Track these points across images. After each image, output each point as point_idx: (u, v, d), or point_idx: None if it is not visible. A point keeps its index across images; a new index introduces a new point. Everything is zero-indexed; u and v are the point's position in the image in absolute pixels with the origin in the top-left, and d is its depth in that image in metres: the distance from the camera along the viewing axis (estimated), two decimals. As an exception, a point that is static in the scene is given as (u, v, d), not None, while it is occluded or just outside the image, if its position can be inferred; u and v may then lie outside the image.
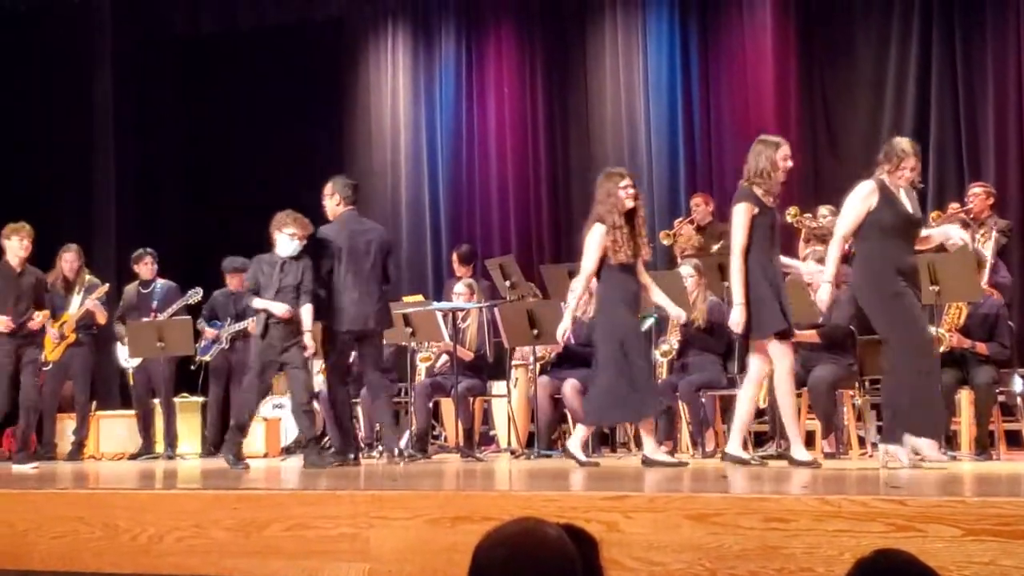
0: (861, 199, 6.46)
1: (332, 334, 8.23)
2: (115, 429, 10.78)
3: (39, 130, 12.53)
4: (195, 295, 10.51)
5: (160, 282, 10.63)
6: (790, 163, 6.91)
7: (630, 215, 7.14)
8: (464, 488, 6.13)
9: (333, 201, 8.47)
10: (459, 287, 9.94)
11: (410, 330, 9.09)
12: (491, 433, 10.40)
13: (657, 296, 7.38)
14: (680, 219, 10.83)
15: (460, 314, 9.56)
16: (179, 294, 10.53)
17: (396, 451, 8.24)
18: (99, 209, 12.76)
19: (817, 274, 7.42)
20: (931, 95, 11.05)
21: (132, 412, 10.52)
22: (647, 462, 7.18)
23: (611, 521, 4.61)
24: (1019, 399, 8.05)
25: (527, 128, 12.75)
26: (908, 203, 6.53)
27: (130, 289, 10.64)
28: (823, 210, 9.14)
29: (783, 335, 6.86)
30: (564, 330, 7.58)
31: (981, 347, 7.39)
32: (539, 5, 12.82)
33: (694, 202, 10.85)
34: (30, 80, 12.44)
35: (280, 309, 8.06)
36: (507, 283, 10.31)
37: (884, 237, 6.41)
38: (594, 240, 7.20)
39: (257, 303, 8.17)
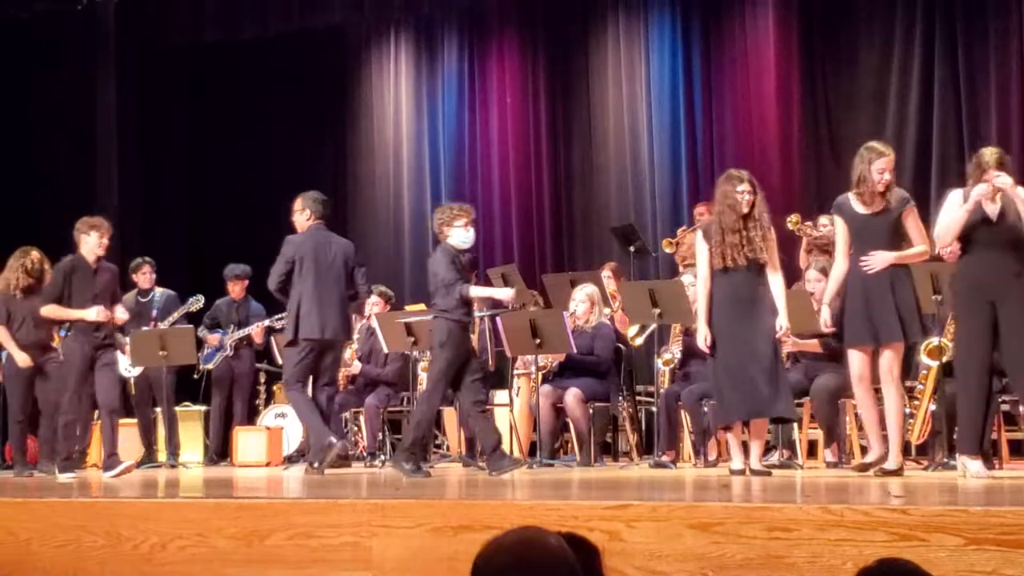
0: (956, 206, 6.51)
1: (292, 341, 8.25)
2: (121, 438, 10.77)
3: (41, 139, 12.55)
4: (196, 302, 10.51)
5: (159, 291, 10.64)
6: (887, 176, 6.82)
7: (746, 219, 7.11)
8: (466, 497, 6.13)
9: (304, 216, 8.49)
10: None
11: (412, 339, 9.09)
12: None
13: (777, 300, 7.18)
14: (684, 228, 10.84)
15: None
16: (178, 303, 10.53)
17: (316, 464, 8.04)
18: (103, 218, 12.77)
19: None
20: (934, 104, 11.07)
21: (134, 421, 10.51)
22: (753, 472, 7.08)
23: (613, 530, 4.61)
24: (1022, 408, 8.04)
25: (529, 137, 12.77)
26: (991, 209, 6.53)
27: (128, 298, 10.60)
28: (823, 219, 9.14)
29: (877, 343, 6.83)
30: None
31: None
32: (541, 14, 12.85)
33: (697, 211, 10.84)
34: (33, 88, 12.46)
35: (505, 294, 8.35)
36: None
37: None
38: (697, 247, 7.32)
39: (477, 291, 8.13)
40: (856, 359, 6.86)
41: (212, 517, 5.42)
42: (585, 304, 9.06)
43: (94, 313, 8.53)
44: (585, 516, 4.70)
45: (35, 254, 9.18)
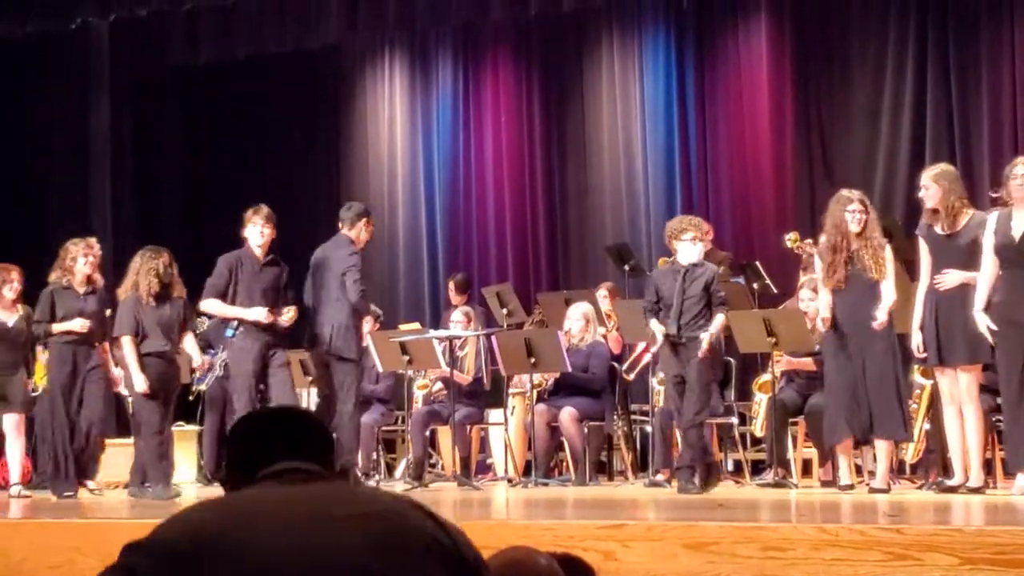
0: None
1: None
2: (112, 457, 10.73)
3: (37, 157, 12.55)
4: (199, 324, 10.45)
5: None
6: (920, 192, 6.97)
7: (859, 238, 7.13)
8: (461, 517, 6.12)
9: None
10: (456, 315, 9.95)
11: (407, 358, 9.08)
12: (488, 461, 10.38)
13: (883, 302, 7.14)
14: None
15: (457, 342, 9.57)
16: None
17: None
18: (97, 236, 12.74)
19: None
20: (926, 124, 11.11)
21: (130, 440, 10.46)
22: (872, 490, 7.08)
23: (608, 550, 4.61)
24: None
25: (524, 156, 12.79)
26: (1018, 228, 6.62)
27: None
28: (824, 237, 9.15)
29: (941, 363, 6.89)
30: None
31: (979, 371, 7.38)
32: (536, 34, 12.87)
33: (691, 229, 10.85)
34: (28, 107, 12.47)
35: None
36: (504, 311, 10.32)
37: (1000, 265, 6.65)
38: (816, 265, 7.47)
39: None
40: (943, 381, 6.94)
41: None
42: (580, 323, 9.07)
43: (256, 314, 8.00)
44: (580, 536, 4.71)
45: (166, 255, 8.45)
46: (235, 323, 8.09)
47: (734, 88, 12.00)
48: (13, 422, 8.78)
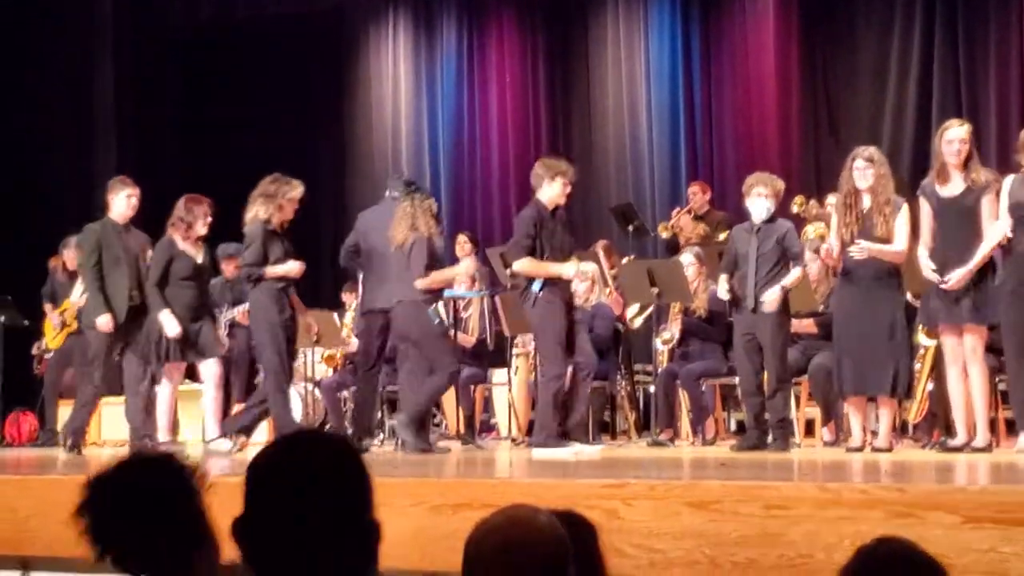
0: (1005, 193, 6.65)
1: None
2: (117, 416, 10.77)
3: (40, 121, 12.49)
4: None
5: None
6: (955, 146, 6.82)
7: (870, 195, 7.08)
8: (465, 476, 6.15)
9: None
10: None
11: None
12: (492, 421, 10.40)
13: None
14: (678, 209, 10.81)
15: (461, 302, 9.56)
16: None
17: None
18: (100, 199, 12.72)
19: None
20: (933, 83, 11.05)
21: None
22: (875, 448, 7.08)
23: (611, 508, 4.62)
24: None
25: (528, 116, 12.75)
26: None
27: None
28: (831, 198, 9.13)
29: (948, 323, 6.87)
30: None
31: (984, 332, 7.38)
32: (541, -8, 12.82)
33: (691, 190, 10.83)
34: (30, 71, 12.40)
35: None
36: (508, 271, 10.29)
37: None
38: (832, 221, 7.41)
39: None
40: (947, 341, 6.92)
41: (213, 494, 5.43)
42: (586, 283, 9.04)
43: (569, 269, 7.57)
44: (583, 494, 4.71)
45: (432, 201, 8.07)
46: (541, 280, 7.53)
47: (739, 48, 11.93)
48: (212, 373, 8.31)
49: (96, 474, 2.36)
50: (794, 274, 7.51)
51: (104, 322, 8.10)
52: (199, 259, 8.22)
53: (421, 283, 7.67)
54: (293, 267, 7.84)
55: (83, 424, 8.58)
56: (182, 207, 8.22)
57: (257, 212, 7.84)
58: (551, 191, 7.62)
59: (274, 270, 7.78)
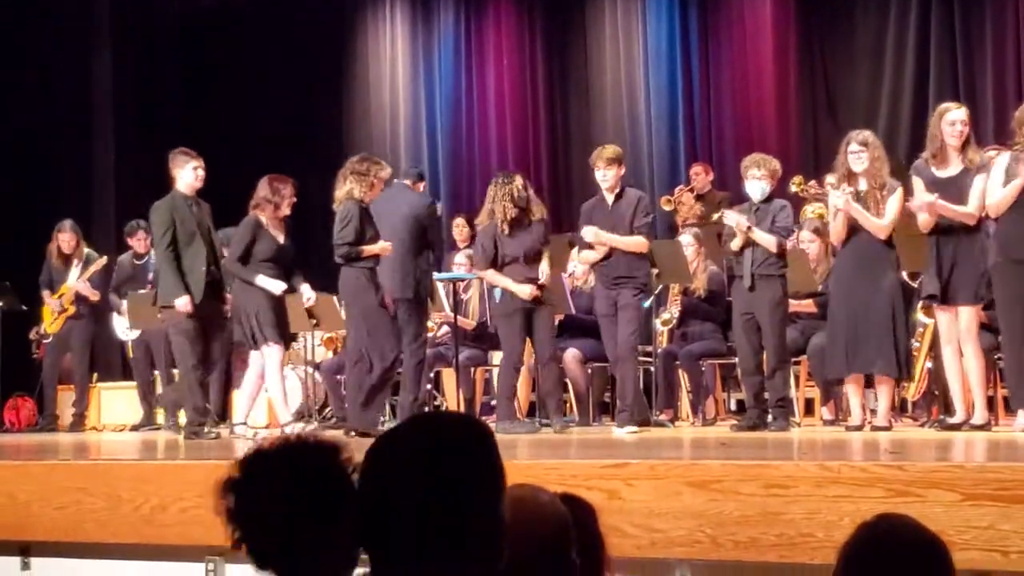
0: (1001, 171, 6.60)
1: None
2: (116, 400, 10.79)
3: (39, 107, 12.46)
4: None
5: (155, 254, 10.50)
6: (958, 127, 6.79)
7: (865, 178, 7.09)
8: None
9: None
10: (460, 257, 9.90)
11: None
12: (492, 403, 10.39)
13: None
14: (681, 187, 10.81)
15: (461, 284, 9.55)
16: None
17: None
18: (99, 185, 12.72)
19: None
20: (930, 63, 11.03)
21: (133, 384, 10.51)
22: (875, 427, 7.08)
23: (612, 489, 4.61)
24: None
25: (526, 98, 12.72)
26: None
27: (124, 260, 10.50)
28: (830, 178, 9.11)
29: (943, 302, 6.86)
30: None
31: (980, 314, 7.39)
32: (538, -26, 12.78)
33: (693, 171, 10.82)
34: (29, 58, 12.37)
35: None
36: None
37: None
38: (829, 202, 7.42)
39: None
40: (942, 320, 6.93)
41: (212, 478, 5.42)
42: (584, 265, 9.02)
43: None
44: (584, 475, 4.71)
45: (519, 179, 8.01)
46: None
47: (737, 29, 11.90)
48: (278, 359, 8.02)
49: (255, 450, 2.13)
50: (766, 237, 7.47)
51: (183, 303, 7.81)
52: (281, 240, 8.03)
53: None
54: (385, 246, 7.77)
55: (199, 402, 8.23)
56: (268, 187, 7.95)
57: (351, 190, 7.75)
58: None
59: (370, 249, 7.70)
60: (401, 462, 1.98)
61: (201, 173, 8.14)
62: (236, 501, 2.11)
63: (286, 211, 8.01)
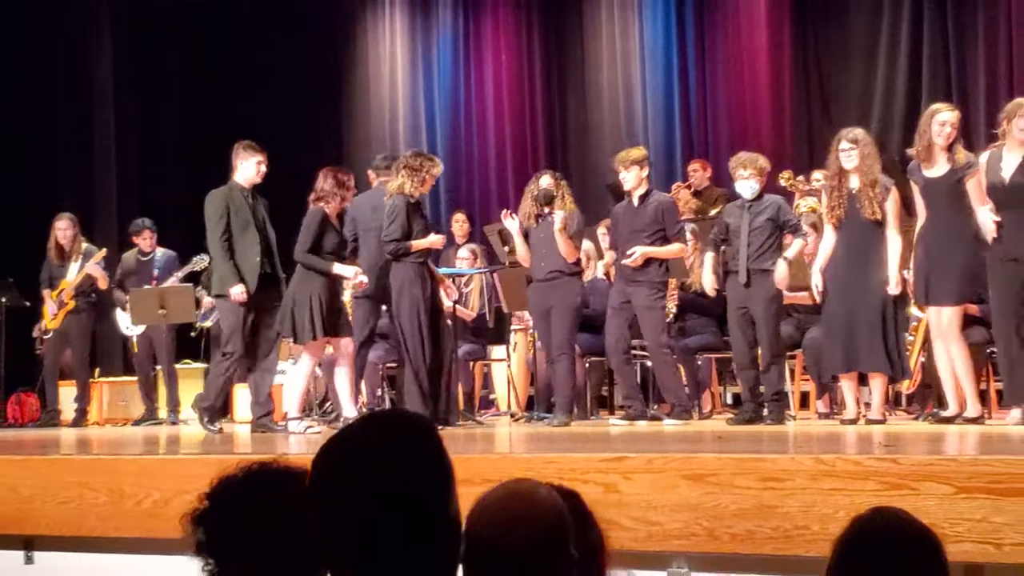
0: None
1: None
2: (118, 395, 10.79)
3: (38, 100, 12.44)
4: (200, 261, 10.40)
5: (160, 251, 10.50)
6: (947, 129, 6.81)
7: (857, 176, 7.10)
8: (465, 451, 6.14)
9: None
10: (463, 252, 9.92)
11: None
12: (491, 397, 10.41)
13: (890, 257, 7.09)
14: (678, 184, 10.81)
15: (462, 279, 9.56)
16: (178, 263, 10.42)
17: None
18: (99, 179, 12.68)
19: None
20: (923, 60, 11.04)
21: (135, 379, 10.51)
22: (869, 421, 7.10)
23: (610, 482, 4.61)
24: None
25: (524, 95, 12.72)
26: (1008, 168, 6.62)
27: (128, 256, 10.52)
28: (817, 175, 9.13)
29: (928, 301, 6.90)
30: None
31: (972, 308, 7.40)
32: (536, -28, 12.77)
33: (692, 168, 10.83)
34: (29, 49, 12.34)
35: None
36: (505, 248, 10.29)
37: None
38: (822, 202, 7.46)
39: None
40: (933, 317, 6.96)
41: (214, 473, 5.42)
42: (581, 260, 9.02)
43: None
44: (582, 468, 4.70)
45: (546, 178, 8.27)
46: None
47: (733, 27, 11.90)
48: (349, 351, 7.91)
49: (221, 480, 2.09)
50: (796, 246, 7.57)
51: (238, 292, 7.76)
52: (342, 234, 7.96)
53: None
54: (436, 240, 7.81)
55: (223, 396, 8.21)
56: (332, 181, 7.83)
57: (403, 184, 7.76)
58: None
59: (419, 243, 7.72)
60: (347, 463, 1.93)
61: (263, 168, 8.08)
62: (205, 534, 2.10)
63: (346, 205, 7.97)
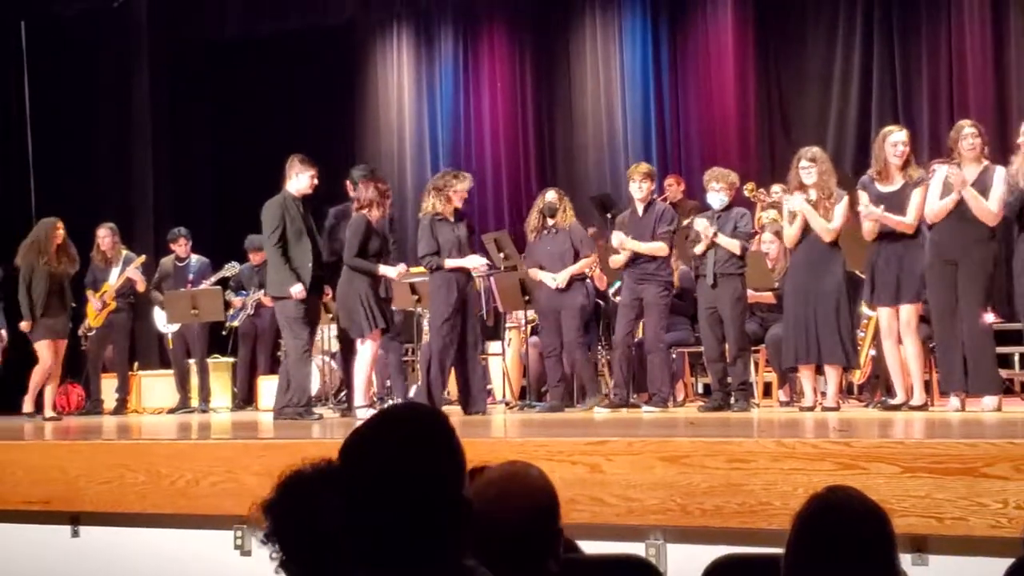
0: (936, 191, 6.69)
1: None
2: (155, 387, 10.77)
3: (84, 126, 12.42)
4: (231, 268, 10.42)
5: (195, 258, 10.49)
6: (900, 148, 6.82)
7: (815, 190, 7.09)
8: (464, 436, 6.13)
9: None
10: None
11: (416, 297, 9.07)
12: (488, 387, 10.38)
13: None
14: (655, 197, 10.77)
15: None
16: (211, 269, 10.43)
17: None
18: (137, 195, 12.68)
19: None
20: (872, 87, 11.06)
21: (170, 371, 10.50)
22: (825, 408, 7.10)
23: (594, 463, 4.61)
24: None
25: (517, 118, 12.72)
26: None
27: (166, 261, 10.52)
28: (775, 187, 9.15)
29: (884, 302, 6.89)
30: None
31: (918, 308, 7.40)
32: (528, 9, 12.77)
33: (667, 182, 10.80)
34: (75, 80, 12.32)
35: None
36: (501, 255, 10.29)
37: None
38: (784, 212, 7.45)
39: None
40: (883, 316, 6.93)
41: (240, 456, 5.42)
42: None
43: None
44: (569, 451, 4.70)
45: (550, 193, 8.34)
46: None
47: (703, 56, 11.91)
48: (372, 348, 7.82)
49: (288, 479, 2.01)
50: (731, 241, 7.52)
51: (298, 290, 7.66)
52: (383, 236, 7.89)
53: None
54: (468, 261, 7.76)
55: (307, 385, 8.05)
56: (374, 190, 7.75)
57: (433, 203, 7.80)
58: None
59: (454, 262, 7.72)
60: (371, 453, 1.92)
61: (315, 182, 8.02)
62: (273, 524, 2.02)
63: (387, 211, 7.93)
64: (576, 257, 8.21)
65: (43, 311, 8.90)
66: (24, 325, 9.02)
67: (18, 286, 9.00)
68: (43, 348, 8.99)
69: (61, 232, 9.02)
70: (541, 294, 8.30)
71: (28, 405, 9.13)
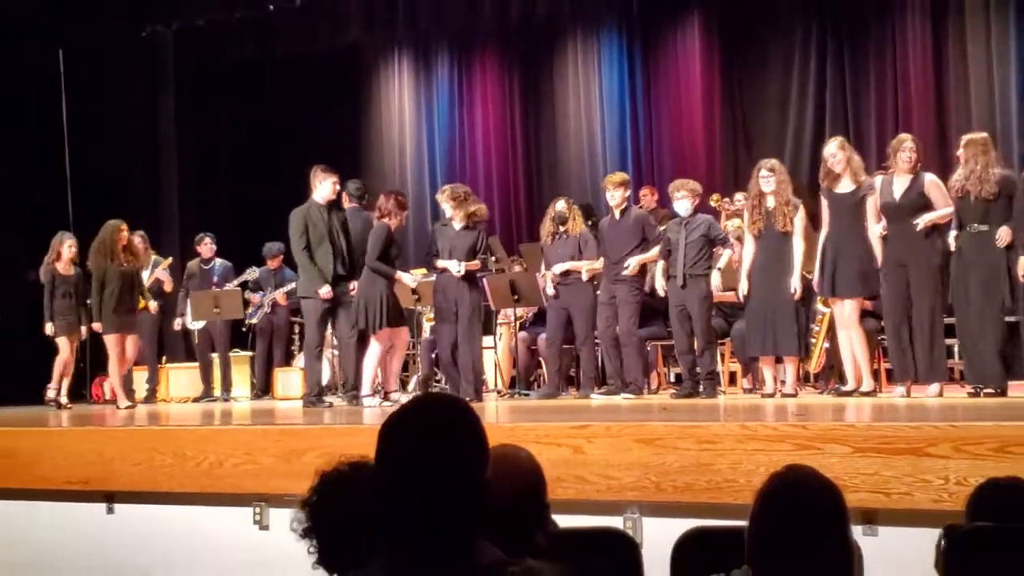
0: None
1: None
2: (181, 378, 10.74)
3: (116, 143, 12.35)
4: (252, 272, 10.42)
5: (218, 261, 10.49)
6: (838, 156, 6.85)
7: (772, 197, 7.12)
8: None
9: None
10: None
11: (416, 296, 9.06)
12: (481, 377, 10.36)
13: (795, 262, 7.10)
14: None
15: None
16: (233, 272, 10.42)
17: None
18: (165, 207, 12.64)
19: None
20: (826, 108, 11.10)
21: (195, 364, 10.48)
22: (784, 395, 7.11)
23: (577, 445, 4.62)
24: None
25: (507, 135, 12.72)
26: (897, 190, 6.65)
27: (192, 264, 10.54)
28: (738, 196, 9.16)
29: (833, 295, 6.89)
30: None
31: (867, 304, 7.42)
32: (517, 37, 12.76)
33: (642, 193, 10.81)
34: (108, 101, 12.27)
35: None
36: (492, 258, 10.28)
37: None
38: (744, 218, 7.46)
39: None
40: (835, 309, 6.96)
41: (259, 440, 5.41)
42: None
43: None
44: (554, 435, 4.70)
45: (560, 202, 8.39)
46: None
47: (673, 80, 11.93)
48: (404, 340, 8.05)
49: (333, 471, 1.95)
50: (724, 256, 7.60)
51: (325, 291, 7.63)
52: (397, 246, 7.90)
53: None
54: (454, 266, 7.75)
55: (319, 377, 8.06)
56: (394, 202, 7.74)
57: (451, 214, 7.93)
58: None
59: (440, 264, 7.82)
60: (408, 439, 1.87)
61: (338, 187, 7.99)
62: (310, 520, 1.96)
63: (403, 221, 7.95)
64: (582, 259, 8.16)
65: (114, 306, 8.67)
66: (96, 326, 8.83)
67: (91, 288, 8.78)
68: (111, 342, 8.79)
69: (125, 233, 8.86)
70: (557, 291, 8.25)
71: (120, 395, 8.87)
